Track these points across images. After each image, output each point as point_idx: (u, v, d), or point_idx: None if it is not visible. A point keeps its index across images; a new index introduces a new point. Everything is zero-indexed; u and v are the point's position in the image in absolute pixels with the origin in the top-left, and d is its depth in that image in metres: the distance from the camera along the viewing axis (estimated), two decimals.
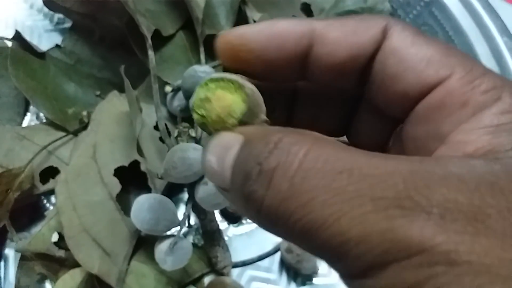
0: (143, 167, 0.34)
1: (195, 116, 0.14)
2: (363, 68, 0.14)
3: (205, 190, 0.29)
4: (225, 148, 0.12)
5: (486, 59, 0.34)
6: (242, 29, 0.14)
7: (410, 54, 0.12)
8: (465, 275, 0.08)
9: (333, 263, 0.10)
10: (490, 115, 0.11)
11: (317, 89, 0.16)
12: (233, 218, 0.37)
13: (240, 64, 0.14)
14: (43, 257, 0.33)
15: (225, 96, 0.14)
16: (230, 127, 0.14)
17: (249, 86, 0.14)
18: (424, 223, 0.08)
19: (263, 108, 0.14)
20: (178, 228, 0.31)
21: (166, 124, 0.34)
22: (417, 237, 0.08)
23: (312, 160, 0.10)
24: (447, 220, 0.08)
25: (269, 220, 0.11)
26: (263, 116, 0.14)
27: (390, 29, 0.13)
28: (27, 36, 0.37)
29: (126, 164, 0.34)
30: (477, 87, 0.11)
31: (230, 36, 0.14)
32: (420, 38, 0.13)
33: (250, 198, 0.11)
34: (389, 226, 0.09)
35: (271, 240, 0.36)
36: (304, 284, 0.35)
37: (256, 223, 0.12)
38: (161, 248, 0.30)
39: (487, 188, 0.09)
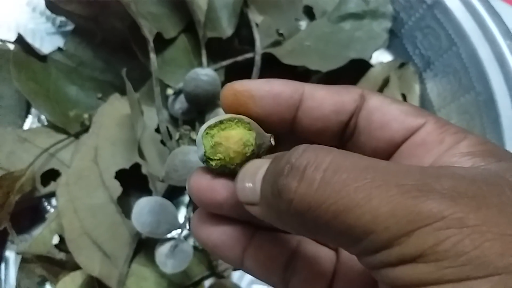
0: (144, 170, 0.34)
1: (213, 163, 0.16)
2: (344, 124, 0.17)
3: None
4: (257, 168, 0.15)
5: (489, 62, 0.34)
6: (245, 81, 0.17)
7: (391, 109, 0.16)
8: (474, 233, 0.11)
9: (358, 241, 0.12)
10: (463, 147, 0.15)
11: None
12: None
13: (240, 110, 0.16)
14: (44, 260, 0.33)
15: (231, 134, 0.15)
16: (250, 155, 0.15)
17: (243, 117, 0.16)
18: (440, 200, 0.11)
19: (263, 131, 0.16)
20: (179, 231, 0.31)
21: (167, 127, 0.34)
22: (436, 208, 0.11)
23: (340, 159, 0.12)
24: (457, 198, 0.11)
25: (299, 211, 0.12)
26: (268, 135, 0.16)
27: (367, 95, 0.16)
28: (29, 39, 0.37)
29: (127, 167, 0.34)
30: (448, 129, 0.15)
31: (235, 84, 0.16)
32: (394, 100, 0.16)
33: (282, 192, 0.13)
34: (413, 202, 0.11)
35: None
36: None
37: (284, 223, 0.13)
38: (162, 251, 0.30)
39: (481, 181, 0.12)
